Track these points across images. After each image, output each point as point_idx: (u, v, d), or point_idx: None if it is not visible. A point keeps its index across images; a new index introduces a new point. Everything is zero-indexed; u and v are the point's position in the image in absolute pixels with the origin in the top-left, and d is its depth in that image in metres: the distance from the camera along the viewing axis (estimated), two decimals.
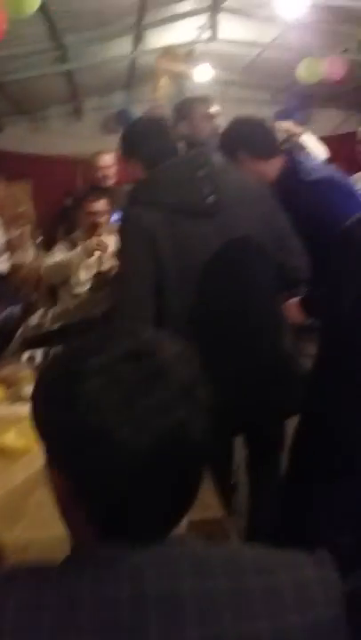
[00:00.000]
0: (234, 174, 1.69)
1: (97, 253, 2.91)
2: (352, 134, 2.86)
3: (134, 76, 4.75)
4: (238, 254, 1.62)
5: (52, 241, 3.78)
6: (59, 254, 3.10)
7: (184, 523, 0.66)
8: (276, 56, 4.32)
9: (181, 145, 1.78)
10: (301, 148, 2.65)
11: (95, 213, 3.08)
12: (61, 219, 4.03)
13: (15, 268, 3.78)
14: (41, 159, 5.00)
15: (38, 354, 2.07)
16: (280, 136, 2.71)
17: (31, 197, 4.99)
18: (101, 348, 0.60)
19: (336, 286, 1.54)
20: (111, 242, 3.10)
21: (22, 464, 1.41)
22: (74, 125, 5.15)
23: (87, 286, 2.92)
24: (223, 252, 1.60)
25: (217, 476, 1.62)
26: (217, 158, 1.68)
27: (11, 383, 1.90)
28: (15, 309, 2.80)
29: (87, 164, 3.81)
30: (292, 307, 1.91)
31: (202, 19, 3.99)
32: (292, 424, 1.74)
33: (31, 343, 2.17)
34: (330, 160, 3.57)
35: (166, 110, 4.43)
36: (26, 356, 2.08)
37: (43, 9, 2.81)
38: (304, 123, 4.78)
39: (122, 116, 4.97)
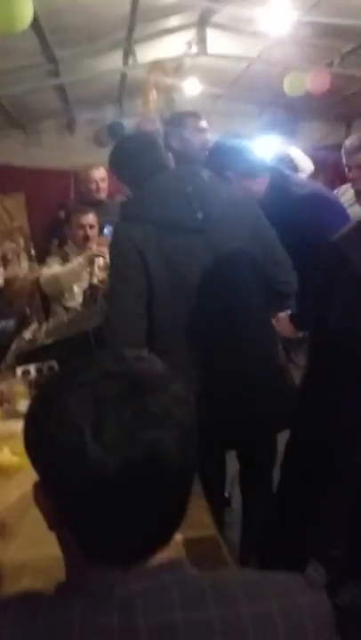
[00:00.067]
0: (223, 190, 1.71)
1: (98, 261, 2.94)
2: (337, 146, 2.90)
3: (125, 90, 4.80)
4: (228, 269, 1.64)
5: (45, 253, 3.81)
6: (56, 266, 3.12)
7: (179, 539, 0.67)
8: (263, 70, 4.38)
9: (171, 157, 1.78)
10: (289, 163, 2.69)
11: (84, 226, 3.12)
12: (54, 231, 4.05)
13: (9, 281, 3.79)
14: (34, 172, 5.02)
15: (32, 369, 2.07)
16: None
17: (25, 210, 5.02)
18: (83, 369, 0.61)
19: (324, 299, 1.55)
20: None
21: (17, 481, 1.42)
22: (66, 138, 5.18)
23: (80, 300, 2.95)
24: (213, 267, 1.62)
25: (210, 490, 1.63)
26: (206, 174, 1.69)
27: (5, 399, 1.91)
28: (9, 323, 2.80)
29: (80, 177, 3.84)
30: (283, 320, 1.93)
31: (190, 34, 4.04)
32: (283, 437, 1.76)
33: (25, 358, 2.17)
34: (316, 171, 3.63)
35: (156, 123, 4.49)
36: (20, 370, 2.08)
37: (35, 24, 2.84)
38: (290, 135, 4.86)
39: (113, 128, 5.01)
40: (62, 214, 4.28)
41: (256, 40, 3.82)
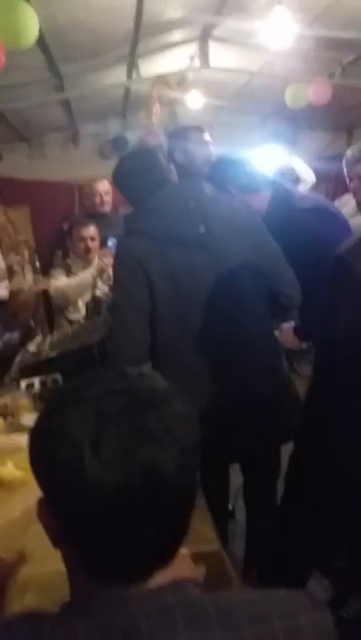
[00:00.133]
0: (225, 204, 1.72)
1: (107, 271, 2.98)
2: (339, 156, 2.92)
3: (129, 104, 4.84)
4: (231, 282, 1.65)
5: (49, 266, 3.83)
6: (62, 278, 3.16)
7: (185, 553, 0.67)
8: (265, 82, 4.41)
9: (174, 170, 1.80)
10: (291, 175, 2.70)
11: (86, 239, 3.16)
12: (58, 244, 4.08)
13: (13, 294, 3.81)
14: (39, 185, 5.05)
15: (36, 382, 2.08)
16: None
17: (29, 223, 5.05)
18: (85, 386, 0.62)
19: (331, 310, 1.55)
20: (95, 264, 3.18)
21: (20, 496, 1.42)
22: (71, 152, 5.21)
23: (83, 312, 2.97)
24: (215, 280, 1.63)
25: (213, 503, 1.62)
26: (208, 188, 1.71)
27: (9, 412, 1.91)
28: (13, 335, 2.82)
29: (84, 190, 3.88)
30: (287, 332, 1.93)
31: (192, 48, 4.08)
32: (288, 450, 1.75)
33: (30, 371, 2.18)
34: (318, 182, 3.66)
35: (160, 137, 4.53)
36: (24, 383, 2.09)
37: (40, 40, 2.88)
38: (292, 145, 4.89)
39: (117, 142, 5.05)
40: (66, 227, 4.32)
41: (258, 53, 3.85)
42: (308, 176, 3.39)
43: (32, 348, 2.47)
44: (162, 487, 0.57)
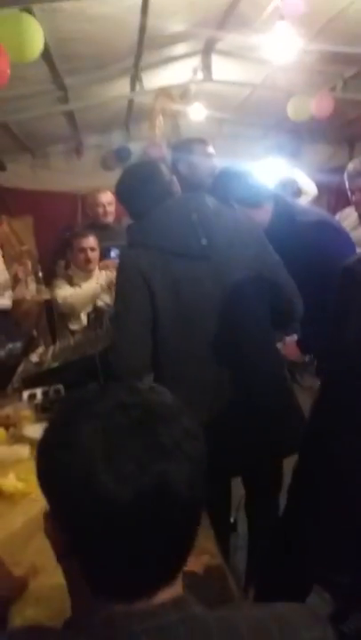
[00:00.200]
0: (227, 216, 1.73)
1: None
2: (341, 168, 2.94)
3: (132, 115, 4.88)
4: (233, 295, 1.65)
5: (52, 276, 3.85)
6: (67, 287, 3.19)
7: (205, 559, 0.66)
8: (267, 95, 4.46)
9: (177, 181, 1.81)
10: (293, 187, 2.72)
11: (85, 249, 3.18)
12: (61, 254, 4.10)
13: (16, 303, 3.82)
14: (42, 195, 5.09)
15: (39, 392, 2.08)
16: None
17: (32, 232, 5.08)
18: (96, 399, 0.62)
19: (339, 321, 1.54)
20: (103, 276, 3.20)
21: (22, 507, 1.41)
22: (74, 162, 5.25)
23: (84, 322, 2.98)
24: (218, 292, 1.64)
25: (216, 516, 1.62)
26: (210, 201, 1.72)
27: (11, 423, 1.91)
28: (16, 345, 2.82)
29: (87, 200, 3.90)
30: (290, 345, 1.93)
31: (195, 60, 4.13)
32: (291, 462, 1.74)
33: (32, 381, 2.18)
34: (319, 194, 3.68)
35: (162, 148, 4.56)
36: (26, 394, 2.09)
37: (45, 53, 2.91)
38: (294, 157, 4.93)
39: (120, 153, 5.09)
40: (68, 236, 4.35)
41: (260, 66, 3.90)
42: (309, 188, 3.41)
43: (34, 358, 2.47)
44: (174, 501, 0.58)
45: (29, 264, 3.78)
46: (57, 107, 4.15)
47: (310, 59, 3.63)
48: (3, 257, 3.84)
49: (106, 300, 2.97)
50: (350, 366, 1.46)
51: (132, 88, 4.20)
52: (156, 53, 3.84)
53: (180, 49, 3.89)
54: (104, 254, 3.34)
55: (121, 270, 1.72)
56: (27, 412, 1.93)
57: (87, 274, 3.25)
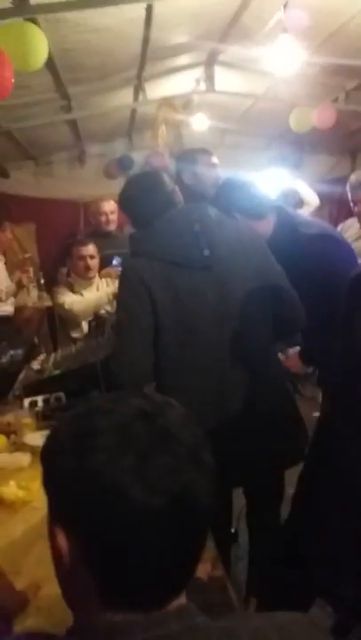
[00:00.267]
0: (229, 227, 1.74)
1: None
2: (343, 179, 2.96)
3: (135, 125, 4.92)
4: (235, 305, 1.66)
5: (53, 283, 3.87)
6: (70, 294, 3.20)
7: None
8: (270, 106, 4.49)
9: (179, 191, 1.82)
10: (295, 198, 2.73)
11: (85, 257, 3.20)
12: (63, 261, 4.12)
13: (18, 310, 3.83)
14: (44, 203, 5.11)
15: (40, 400, 2.07)
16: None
17: (34, 240, 5.10)
18: (112, 407, 0.62)
19: (348, 330, 1.53)
20: (104, 284, 3.21)
21: (22, 516, 1.41)
22: (77, 171, 5.28)
23: (85, 330, 2.99)
24: (219, 303, 1.64)
25: (216, 526, 1.61)
26: (213, 211, 1.73)
27: (12, 430, 1.91)
28: (17, 352, 2.82)
29: (90, 208, 3.92)
30: (293, 357, 1.93)
31: (198, 71, 4.16)
32: (293, 472, 1.73)
33: (33, 389, 2.18)
34: (321, 204, 3.69)
35: (165, 158, 4.59)
36: (28, 401, 2.09)
37: (49, 62, 2.94)
38: (297, 167, 4.96)
39: (123, 161, 5.12)
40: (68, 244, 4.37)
41: (263, 78, 3.93)
42: (311, 199, 3.43)
43: (36, 365, 2.48)
44: (198, 509, 0.59)
45: (31, 271, 3.79)
46: (60, 115, 4.19)
47: (313, 71, 3.66)
48: (5, 264, 3.86)
49: (107, 307, 2.98)
50: (359, 377, 1.45)
51: (136, 98, 4.23)
52: (160, 64, 3.88)
53: (183, 60, 3.93)
54: (106, 262, 3.35)
55: (123, 279, 1.73)
56: (28, 420, 1.92)
57: (87, 281, 3.26)
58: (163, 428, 0.60)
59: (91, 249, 3.24)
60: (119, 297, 1.75)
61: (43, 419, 1.98)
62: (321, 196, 3.75)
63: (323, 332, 1.77)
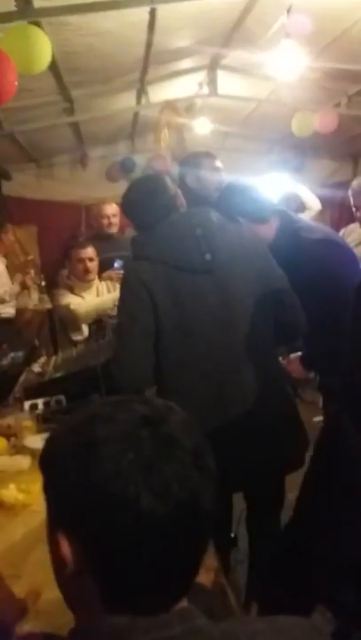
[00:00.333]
0: (232, 231, 1.74)
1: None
2: (345, 183, 2.97)
3: (137, 128, 4.93)
4: (236, 309, 1.66)
5: (54, 285, 3.87)
6: (70, 296, 3.19)
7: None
8: (272, 110, 4.52)
9: (181, 195, 1.81)
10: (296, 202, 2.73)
11: (84, 260, 3.19)
12: (63, 263, 4.13)
13: (19, 312, 3.83)
14: (46, 205, 5.13)
15: (40, 402, 2.07)
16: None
17: (36, 242, 5.12)
18: (114, 415, 0.61)
19: (357, 335, 1.52)
20: (104, 287, 3.21)
21: (22, 519, 1.40)
22: (79, 173, 5.30)
23: (86, 333, 2.99)
24: (221, 307, 1.64)
25: (216, 531, 1.60)
26: (215, 216, 1.73)
27: (12, 433, 1.90)
28: (18, 354, 2.82)
29: (92, 211, 3.93)
30: (294, 362, 1.93)
31: (201, 75, 4.18)
32: (291, 479, 1.73)
33: (34, 391, 2.18)
34: (323, 209, 3.70)
35: (167, 161, 4.60)
36: (28, 404, 2.09)
37: (52, 65, 2.95)
38: (298, 172, 4.97)
39: (125, 164, 5.13)
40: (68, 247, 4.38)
41: (265, 82, 3.95)
42: (313, 203, 3.43)
43: (36, 368, 2.47)
44: (202, 515, 0.59)
45: (33, 273, 3.80)
46: (63, 118, 4.20)
47: (315, 76, 3.68)
48: (7, 266, 3.87)
49: (110, 312, 2.98)
50: None
51: (138, 101, 4.25)
52: (162, 68, 3.89)
53: (185, 64, 3.94)
54: (108, 265, 3.35)
55: (124, 282, 1.73)
56: (28, 423, 1.92)
57: (87, 284, 3.26)
58: (166, 435, 0.60)
59: (90, 251, 3.23)
60: (120, 299, 1.75)
61: (43, 421, 1.97)
62: (322, 201, 3.76)
63: (324, 337, 1.77)
